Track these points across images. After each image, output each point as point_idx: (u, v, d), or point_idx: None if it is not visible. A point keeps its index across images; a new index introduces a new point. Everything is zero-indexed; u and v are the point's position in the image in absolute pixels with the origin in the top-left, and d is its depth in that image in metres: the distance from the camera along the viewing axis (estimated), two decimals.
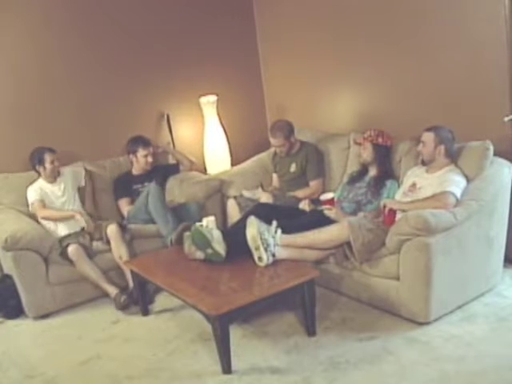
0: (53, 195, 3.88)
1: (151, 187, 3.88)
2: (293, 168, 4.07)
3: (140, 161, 4.16)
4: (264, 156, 4.56)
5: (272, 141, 4.07)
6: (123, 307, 3.45)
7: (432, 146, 3.18)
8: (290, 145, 4.07)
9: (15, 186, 3.92)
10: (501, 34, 3.17)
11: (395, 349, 2.66)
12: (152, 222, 3.85)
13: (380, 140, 3.57)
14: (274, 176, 4.33)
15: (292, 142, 4.07)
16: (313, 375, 2.53)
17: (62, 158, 4.09)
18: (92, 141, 4.40)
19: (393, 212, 3.03)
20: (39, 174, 3.89)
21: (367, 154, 3.60)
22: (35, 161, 3.85)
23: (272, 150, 4.45)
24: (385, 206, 3.08)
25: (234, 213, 3.93)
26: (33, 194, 3.81)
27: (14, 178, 3.94)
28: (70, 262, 3.55)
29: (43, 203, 3.78)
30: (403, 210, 2.98)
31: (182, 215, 3.85)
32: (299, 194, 3.95)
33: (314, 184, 4.01)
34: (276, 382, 2.53)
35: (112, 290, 3.52)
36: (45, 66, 4.20)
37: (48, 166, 3.83)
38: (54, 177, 3.90)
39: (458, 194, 2.96)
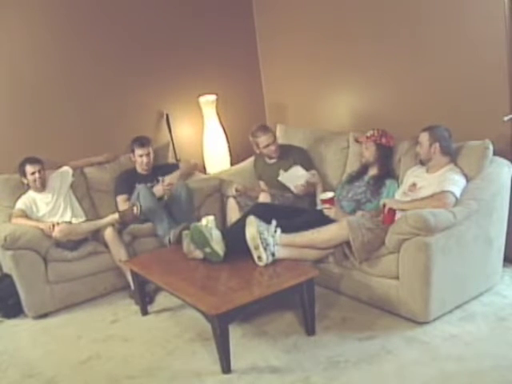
0: (41, 202, 3.86)
1: (140, 188, 3.87)
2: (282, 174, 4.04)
3: (137, 160, 4.15)
4: None
5: (263, 139, 3.98)
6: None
7: (427, 144, 3.18)
8: (277, 144, 4.07)
9: (16, 187, 3.90)
10: (500, 33, 3.17)
11: (394, 348, 2.66)
12: (149, 221, 3.85)
13: (384, 140, 3.56)
14: (262, 183, 4.26)
15: (278, 143, 4.08)
16: (312, 374, 2.53)
17: (60, 159, 4.10)
18: (91, 141, 4.39)
19: (392, 211, 3.03)
20: (28, 186, 3.86)
21: (370, 153, 3.59)
22: (20, 173, 3.84)
23: (251, 159, 4.42)
24: (384, 205, 3.07)
25: (233, 212, 3.92)
26: (19, 203, 3.81)
27: (15, 179, 3.92)
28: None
29: (23, 213, 3.74)
30: (403, 210, 2.98)
31: (174, 207, 3.85)
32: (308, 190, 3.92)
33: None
34: (275, 382, 2.53)
35: None
36: (43, 67, 4.19)
37: (29, 177, 3.80)
38: (39, 187, 3.86)
39: (458, 194, 2.96)
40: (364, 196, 3.52)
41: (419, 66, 3.71)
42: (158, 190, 4.00)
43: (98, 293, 3.73)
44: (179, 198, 3.86)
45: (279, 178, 3.92)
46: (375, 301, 3.06)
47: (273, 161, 4.12)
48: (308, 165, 4.00)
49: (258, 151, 4.11)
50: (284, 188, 3.98)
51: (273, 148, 4.03)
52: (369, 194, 3.51)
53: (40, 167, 3.84)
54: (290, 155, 4.05)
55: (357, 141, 3.78)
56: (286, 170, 3.97)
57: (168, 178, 4.09)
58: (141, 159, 4.13)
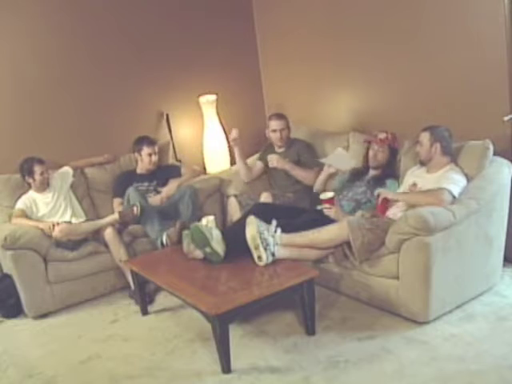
0: (41, 202, 3.86)
1: (130, 191, 3.86)
2: None
3: (144, 159, 4.14)
4: None
5: (273, 123, 4.09)
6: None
7: (428, 144, 3.18)
8: (289, 133, 4.12)
9: (16, 187, 3.90)
10: (500, 33, 3.17)
11: (394, 348, 2.66)
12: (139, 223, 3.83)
13: (396, 144, 3.57)
14: (259, 163, 4.33)
15: (289, 133, 4.13)
16: (312, 374, 2.53)
17: (60, 159, 4.10)
18: (91, 141, 4.39)
19: (386, 201, 3.05)
20: (29, 185, 3.86)
21: (383, 156, 3.55)
22: (25, 172, 3.82)
23: (252, 158, 4.44)
24: (379, 195, 3.08)
25: (234, 211, 3.93)
26: (20, 203, 3.80)
27: (15, 179, 3.92)
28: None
29: (23, 213, 3.74)
30: (397, 200, 2.98)
31: (179, 207, 3.85)
32: (301, 173, 3.98)
33: (314, 170, 4.01)
34: (275, 382, 2.53)
35: None
36: (44, 67, 4.19)
37: (38, 177, 3.80)
38: (43, 187, 3.87)
39: (455, 192, 2.96)
40: (364, 196, 3.51)
41: (419, 66, 3.70)
42: (155, 200, 3.99)
43: (98, 293, 3.73)
44: (184, 198, 3.85)
45: (324, 161, 3.86)
46: (375, 301, 3.06)
47: (281, 150, 4.17)
48: (310, 158, 4.05)
49: (267, 134, 4.21)
50: (284, 177, 4.02)
51: (278, 135, 4.09)
52: (369, 194, 3.49)
53: (46, 167, 3.86)
54: (293, 146, 4.11)
55: (368, 142, 3.66)
56: (289, 160, 4.02)
57: (166, 191, 4.06)
58: (149, 158, 4.13)
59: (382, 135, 3.57)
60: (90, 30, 4.32)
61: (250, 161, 4.48)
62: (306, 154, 4.08)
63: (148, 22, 4.57)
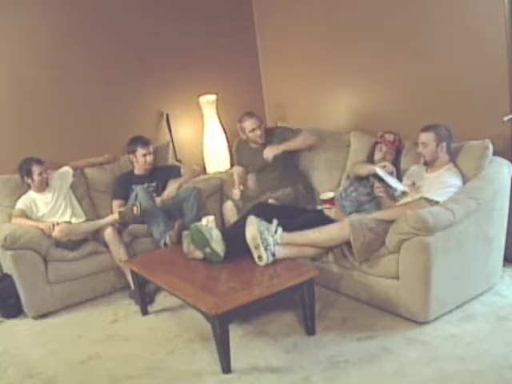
0: (41, 202, 3.86)
1: (138, 190, 3.85)
2: None
3: (139, 160, 4.14)
4: None
5: (248, 123, 4.03)
6: None
7: (434, 145, 3.15)
8: (265, 126, 4.12)
9: (16, 187, 3.90)
10: (500, 33, 3.17)
11: (395, 348, 2.66)
12: (144, 223, 3.83)
13: (401, 146, 3.56)
14: (239, 169, 4.27)
15: (265, 125, 4.13)
16: (312, 374, 2.53)
17: (60, 159, 4.11)
18: (91, 141, 4.39)
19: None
20: (28, 186, 3.86)
21: (391, 158, 3.52)
22: (23, 172, 3.83)
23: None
24: (332, 199, 3.27)
25: (231, 215, 3.88)
26: (19, 203, 3.81)
27: (15, 179, 3.92)
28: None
29: (23, 213, 3.74)
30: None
31: (181, 207, 3.85)
32: (294, 142, 3.99)
33: (302, 134, 4.03)
34: (275, 382, 2.53)
35: None
36: (44, 67, 4.20)
37: (36, 177, 3.80)
38: (43, 187, 3.87)
39: (437, 198, 2.95)
40: (368, 197, 3.48)
41: (419, 66, 3.70)
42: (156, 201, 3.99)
43: (98, 293, 3.73)
44: (189, 199, 3.85)
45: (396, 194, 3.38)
46: (375, 301, 3.06)
47: (257, 146, 4.14)
48: (291, 132, 4.09)
49: (244, 137, 4.15)
50: (270, 170, 4.04)
51: (258, 133, 4.05)
52: (373, 195, 3.47)
53: (44, 167, 3.86)
54: (273, 136, 4.10)
55: (375, 143, 3.62)
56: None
57: (166, 194, 4.05)
58: (144, 158, 4.11)
59: (391, 137, 3.53)
60: (89, 30, 4.32)
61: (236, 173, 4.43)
62: (286, 132, 4.10)
63: (148, 23, 4.58)
